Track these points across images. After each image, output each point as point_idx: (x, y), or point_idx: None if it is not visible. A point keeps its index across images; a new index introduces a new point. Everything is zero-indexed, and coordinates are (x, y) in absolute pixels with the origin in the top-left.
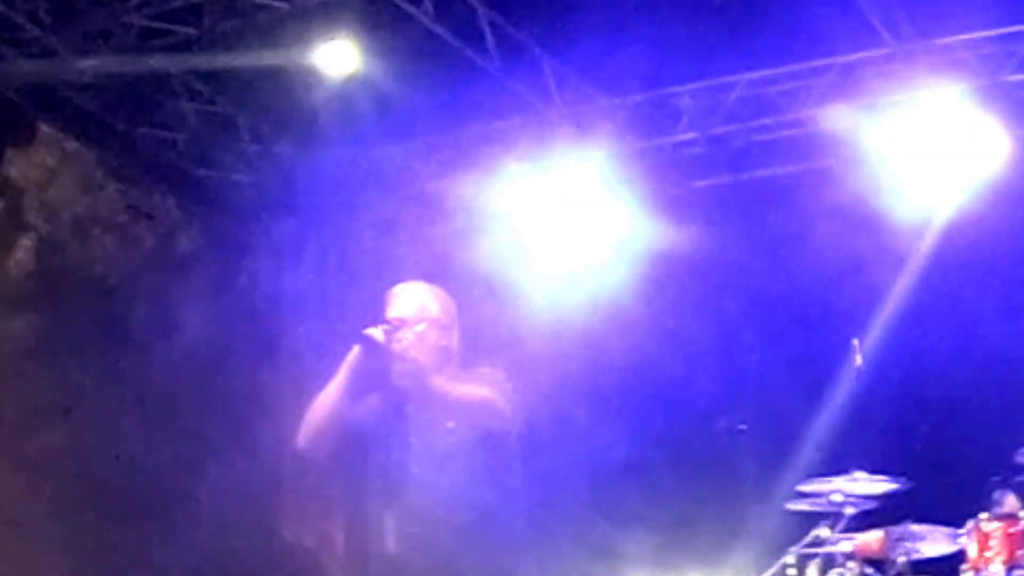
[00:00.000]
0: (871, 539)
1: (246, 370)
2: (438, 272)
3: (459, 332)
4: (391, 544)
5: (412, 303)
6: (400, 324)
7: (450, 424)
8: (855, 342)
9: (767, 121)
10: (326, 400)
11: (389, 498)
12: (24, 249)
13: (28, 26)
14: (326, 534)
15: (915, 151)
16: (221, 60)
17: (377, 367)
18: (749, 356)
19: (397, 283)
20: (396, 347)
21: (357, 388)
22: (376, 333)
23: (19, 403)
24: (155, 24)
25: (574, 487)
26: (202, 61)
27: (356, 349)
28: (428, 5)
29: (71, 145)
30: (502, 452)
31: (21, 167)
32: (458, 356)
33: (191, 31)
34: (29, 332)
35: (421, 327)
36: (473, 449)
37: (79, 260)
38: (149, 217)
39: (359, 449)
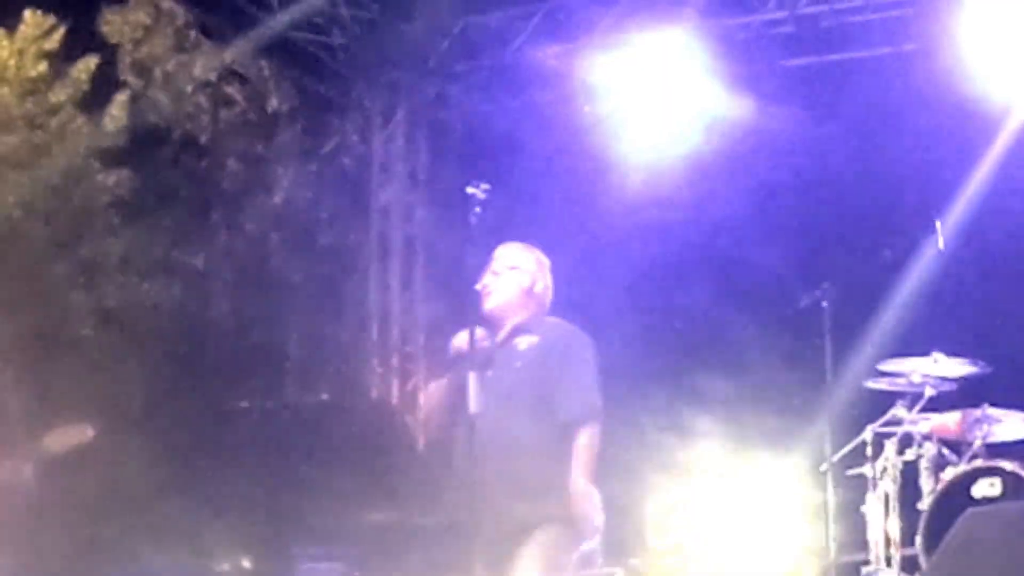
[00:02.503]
0: (948, 420)
1: (333, 229)
2: (527, 139)
3: (547, 284)
4: (474, 405)
5: (506, 258)
6: (494, 277)
7: (518, 364)
8: (938, 224)
9: (857, 2)
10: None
11: None
12: (118, 105)
13: None
14: (409, 393)
15: (1005, 39)
16: None
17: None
18: (831, 234)
19: (483, 148)
20: (486, 300)
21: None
22: (458, 340)
23: (112, 257)
24: None
25: (653, 352)
26: None
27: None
28: None
29: (166, 3)
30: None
31: (116, 24)
32: (542, 302)
33: None
34: (122, 187)
35: (509, 273)
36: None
37: (171, 117)
38: (241, 77)
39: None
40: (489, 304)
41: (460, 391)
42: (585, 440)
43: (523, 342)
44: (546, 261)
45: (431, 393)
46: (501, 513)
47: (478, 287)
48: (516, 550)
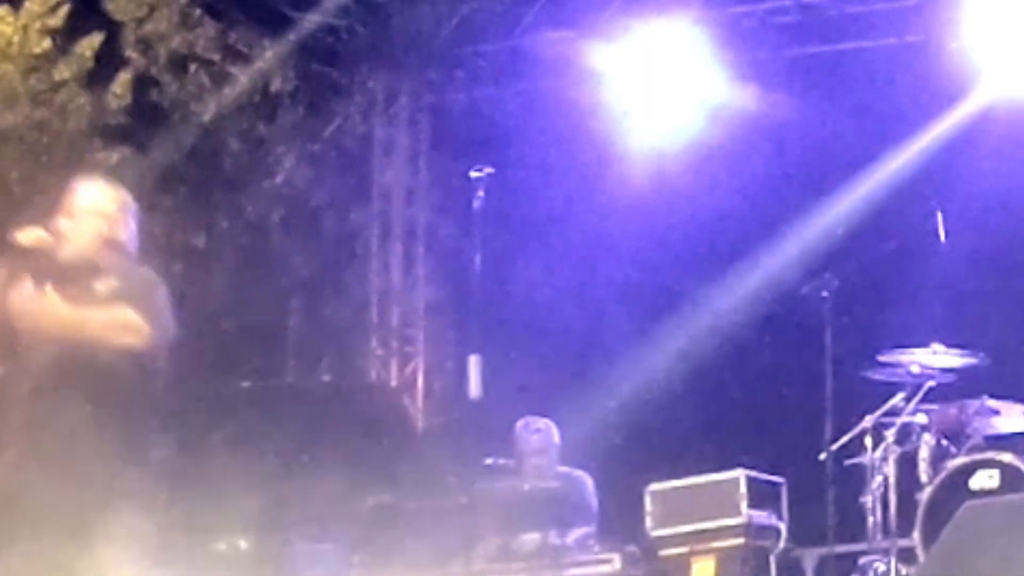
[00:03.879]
0: (947, 412)
1: (335, 210)
2: (530, 124)
3: (131, 229)
4: (474, 390)
5: (85, 199)
6: (65, 220)
7: None
8: (939, 215)
9: None
10: None
11: None
12: (121, 83)
13: None
14: (408, 375)
15: (1008, 30)
16: None
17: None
18: (834, 223)
19: (486, 133)
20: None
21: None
22: (26, 237)
23: None
24: None
25: (652, 339)
26: None
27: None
28: None
29: None
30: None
31: (120, 2)
32: (124, 250)
33: None
34: (124, 165)
35: (89, 219)
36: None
37: (174, 96)
38: (244, 57)
39: None
40: (66, 253)
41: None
42: None
43: (101, 285)
44: (130, 203)
45: None
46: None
47: (45, 234)
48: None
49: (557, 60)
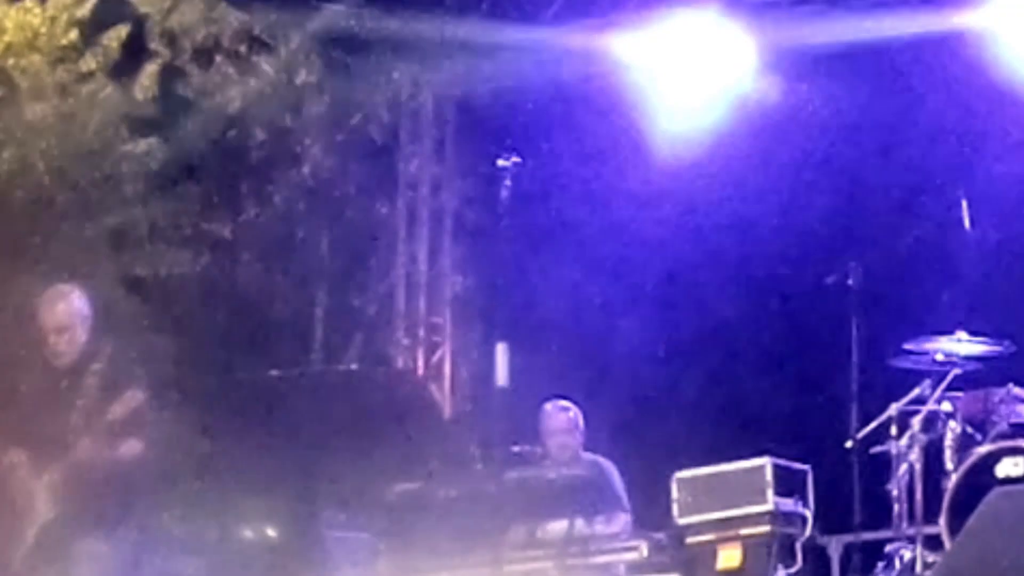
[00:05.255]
0: (973, 399)
1: (361, 200)
2: (555, 114)
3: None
4: (501, 378)
5: (68, 309)
6: (62, 330)
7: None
8: (964, 203)
9: None
10: None
11: None
12: (148, 75)
13: None
14: (435, 364)
15: None
16: None
17: None
18: (858, 212)
19: (510, 123)
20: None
21: None
22: None
23: (140, 226)
24: None
25: (679, 327)
26: None
27: None
28: None
29: None
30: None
31: None
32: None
33: None
34: (151, 156)
35: (72, 330)
36: None
37: (200, 87)
38: (269, 48)
39: None
40: (68, 357)
41: None
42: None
43: (91, 373)
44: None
45: None
46: None
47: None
48: None
49: (582, 49)
